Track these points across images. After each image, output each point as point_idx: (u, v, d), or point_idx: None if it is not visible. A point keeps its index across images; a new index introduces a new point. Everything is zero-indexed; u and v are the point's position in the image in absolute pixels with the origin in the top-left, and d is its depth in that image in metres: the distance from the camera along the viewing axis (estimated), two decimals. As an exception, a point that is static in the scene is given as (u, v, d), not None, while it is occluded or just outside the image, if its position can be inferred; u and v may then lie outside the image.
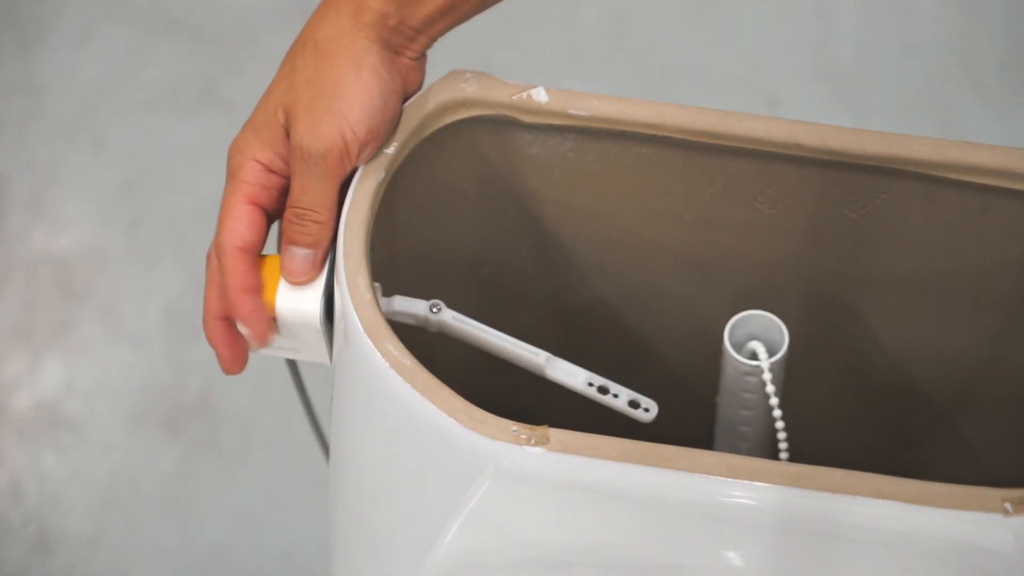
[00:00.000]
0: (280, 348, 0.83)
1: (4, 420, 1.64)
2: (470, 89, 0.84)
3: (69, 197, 1.78)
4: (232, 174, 0.80)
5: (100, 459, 1.62)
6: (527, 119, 0.84)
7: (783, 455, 0.84)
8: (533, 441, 0.72)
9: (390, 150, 0.82)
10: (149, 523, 1.59)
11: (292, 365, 0.89)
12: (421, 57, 0.82)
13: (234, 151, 0.81)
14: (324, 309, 0.81)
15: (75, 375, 1.66)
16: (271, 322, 0.80)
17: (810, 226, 0.87)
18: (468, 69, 0.85)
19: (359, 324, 0.76)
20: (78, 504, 1.59)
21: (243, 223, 0.79)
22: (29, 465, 1.61)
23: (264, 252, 0.82)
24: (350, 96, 0.78)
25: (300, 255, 0.79)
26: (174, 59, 1.86)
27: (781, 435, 0.84)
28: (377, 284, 0.82)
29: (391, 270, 0.86)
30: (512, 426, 0.73)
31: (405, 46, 0.81)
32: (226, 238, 0.79)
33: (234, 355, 0.82)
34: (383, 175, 0.81)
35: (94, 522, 1.58)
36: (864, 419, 0.97)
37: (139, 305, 1.71)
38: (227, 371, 0.83)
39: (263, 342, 0.81)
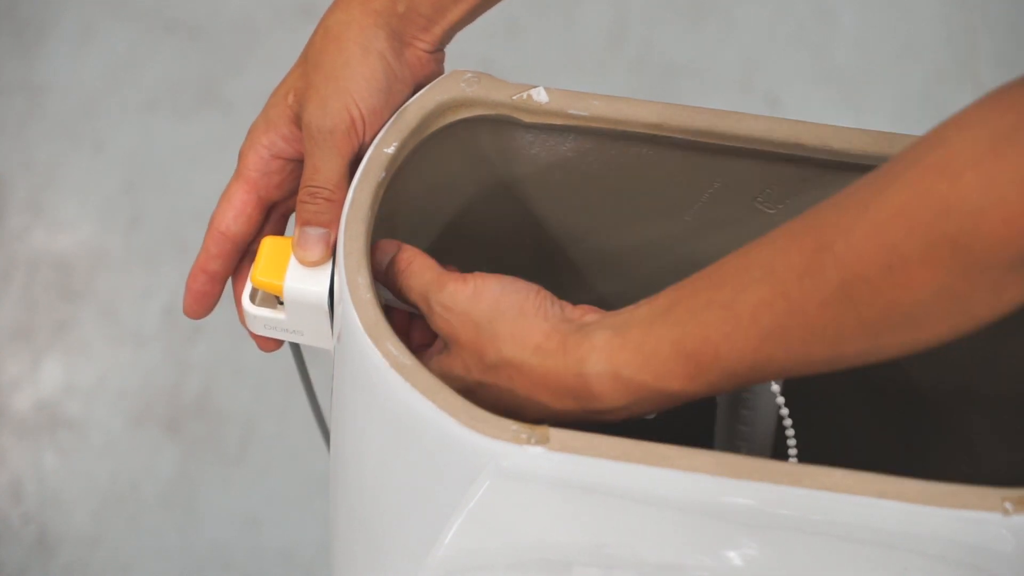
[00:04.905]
0: (284, 331, 0.84)
1: (4, 420, 1.64)
2: (470, 89, 0.84)
3: (69, 197, 1.78)
4: (240, 157, 0.83)
5: (100, 459, 1.62)
6: (527, 119, 0.84)
7: (792, 451, 0.84)
8: (533, 441, 0.72)
9: (390, 150, 0.82)
10: (149, 523, 1.59)
11: (296, 351, 0.90)
12: (437, 51, 0.83)
13: (247, 134, 0.83)
14: (331, 292, 0.82)
15: (75, 375, 1.66)
16: (212, 306, 0.84)
17: (810, 226, 0.87)
18: (468, 69, 0.85)
19: (359, 324, 0.76)
20: (78, 504, 1.59)
21: (234, 211, 0.83)
22: (29, 465, 1.61)
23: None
24: (357, 77, 0.80)
25: (314, 236, 0.81)
26: (174, 59, 1.86)
27: (789, 431, 0.84)
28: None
29: (391, 270, 0.86)
30: (512, 425, 0.73)
31: (416, 36, 0.82)
32: (214, 217, 0.83)
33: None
34: (383, 175, 0.81)
35: (94, 522, 1.58)
36: (864, 419, 0.97)
37: (139, 305, 1.71)
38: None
39: (196, 317, 0.84)
